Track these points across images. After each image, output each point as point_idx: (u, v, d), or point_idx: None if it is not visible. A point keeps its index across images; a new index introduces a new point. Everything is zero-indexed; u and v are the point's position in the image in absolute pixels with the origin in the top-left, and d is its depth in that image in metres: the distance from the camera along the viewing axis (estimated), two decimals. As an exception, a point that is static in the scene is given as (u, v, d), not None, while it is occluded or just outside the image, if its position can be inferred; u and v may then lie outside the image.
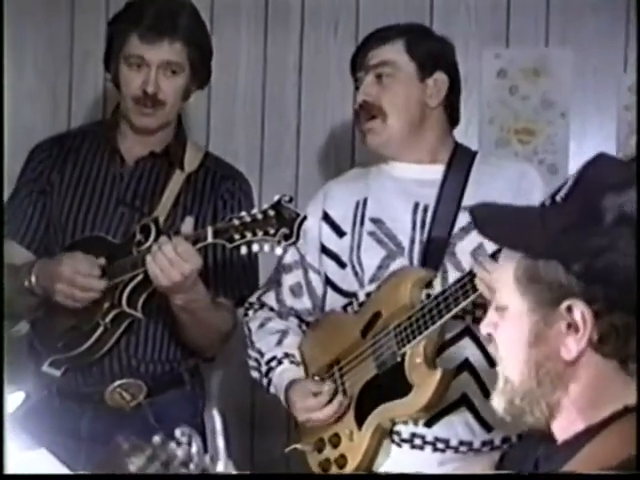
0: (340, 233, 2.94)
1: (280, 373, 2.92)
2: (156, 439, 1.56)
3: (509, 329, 1.67)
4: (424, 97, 2.90)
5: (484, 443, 2.79)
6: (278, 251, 2.65)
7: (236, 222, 2.63)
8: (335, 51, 3.92)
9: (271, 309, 3.06)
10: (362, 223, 2.92)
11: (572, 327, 1.56)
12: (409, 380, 2.69)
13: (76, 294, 2.89)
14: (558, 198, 1.67)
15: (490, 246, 2.69)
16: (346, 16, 3.91)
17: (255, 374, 3.00)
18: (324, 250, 2.97)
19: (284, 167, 3.97)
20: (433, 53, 2.94)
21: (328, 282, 2.98)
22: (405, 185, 2.92)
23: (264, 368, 2.96)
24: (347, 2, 3.90)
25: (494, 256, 2.47)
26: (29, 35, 4.13)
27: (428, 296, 2.73)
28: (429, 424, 2.77)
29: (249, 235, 2.61)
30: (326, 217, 2.97)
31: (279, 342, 2.98)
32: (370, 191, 2.96)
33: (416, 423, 2.78)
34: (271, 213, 2.60)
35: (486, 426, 2.78)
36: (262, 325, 3.03)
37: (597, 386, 1.60)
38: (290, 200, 2.63)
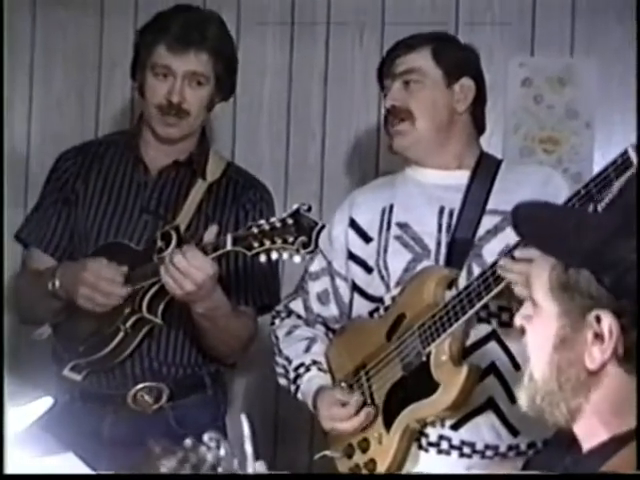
0: (367, 239, 2.95)
1: (308, 380, 2.92)
2: (187, 442, 1.54)
3: (539, 327, 1.68)
4: (451, 102, 2.91)
5: (510, 447, 2.78)
6: (296, 259, 2.64)
7: (255, 230, 2.64)
8: (360, 62, 3.93)
9: (298, 317, 3.06)
10: (388, 228, 2.92)
11: (598, 337, 1.56)
12: (435, 379, 2.69)
13: (98, 299, 2.90)
14: (599, 207, 1.63)
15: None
16: (371, 27, 3.92)
17: (283, 381, 3.01)
18: (351, 256, 2.97)
19: (309, 177, 3.98)
20: (459, 60, 2.95)
21: (355, 288, 2.98)
22: (431, 190, 2.92)
23: (292, 375, 2.96)
24: (372, 13, 3.92)
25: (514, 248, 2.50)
26: (58, 45, 4.15)
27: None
28: (456, 427, 2.77)
29: (268, 243, 2.62)
30: (353, 224, 2.98)
31: (307, 349, 2.98)
32: (396, 197, 2.96)
33: (443, 425, 2.77)
34: (290, 221, 2.60)
35: (512, 430, 2.77)
36: (289, 333, 3.03)
37: (620, 397, 1.59)
38: (309, 209, 2.63)
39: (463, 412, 2.73)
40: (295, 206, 2.63)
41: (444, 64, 2.90)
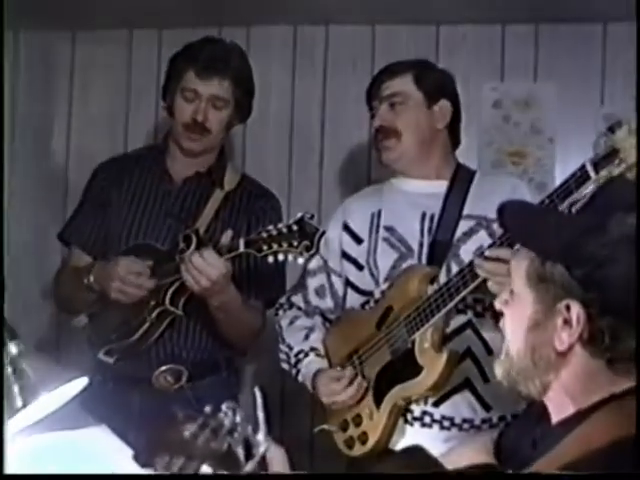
0: (358, 240, 2.96)
1: (307, 364, 2.95)
2: (207, 409, 1.64)
3: (515, 311, 1.70)
4: (432, 121, 2.93)
5: (484, 421, 2.81)
6: (300, 260, 2.66)
7: (264, 235, 2.66)
8: (354, 85, 3.89)
9: (299, 308, 3.08)
10: (377, 231, 2.94)
11: (567, 323, 1.58)
12: (419, 363, 2.71)
13: (128, 290, 2.92)
14: (574, 210, 1.68)
15: None
16: (362, 55, 3.95)
17: (285, 365, 3.03)
18: (344, 255, 2.99)
19: (309, 185, 4.01)
20: (437, 84, 2.97)
21: (348, 283, 3.01)
22: (414, 198, 2.93)
23: (293, 360, 2.99)
24: (363, 43, 3.96)
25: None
26: (93, 74, 4.21)
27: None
28: (437, 404, 2.80)
29: (275, 246, 2.64)
30: (346, 227, 3.00)
31: (306, 337, 3.01)
32: (384, 203, 2.98)
33: (426, 403, 2.80)
34: (295, 228, 2.62)
35: (486, 406, 2.80)
36: (291, 323, 3.06)
37: (585, 376, 1.61)
38: (312, 217, 2.64)
39: (443, 391, 2.76)
40: (299, 214, 2.64)
41: (424, 88, 2.92)
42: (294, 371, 2.99)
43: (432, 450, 1.98)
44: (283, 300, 3.11)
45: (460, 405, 2.81)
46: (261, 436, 1.63)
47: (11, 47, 4.22)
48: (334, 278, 3.04)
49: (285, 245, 2.63)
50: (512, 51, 3.74)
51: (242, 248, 2.71)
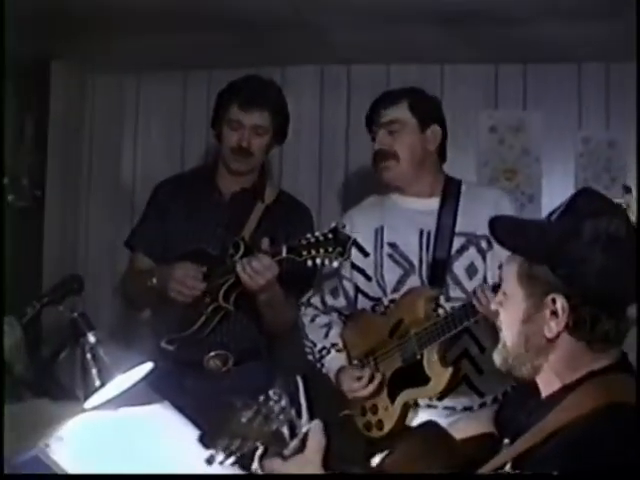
0: (365, 254, 2.88)
1: (330, 361, 2.93)
2: (260, 398, 1.64)
3: (510, 309, 1.69)
4: (425, 143, 2.87)
5: (480, 405, 2.80)
6: (335, 264, 2.64)
7: (304, 242, 2.64)
8: None
9: (316, 308, 3.04)
10: (382, 246, 2.89)
11: (554, 314, 1.59)
12: (427, 373, 2.70)
13: (184, 291, 2.91)
14: (552, 218, 1.68)
15: (480, 264, 2.79)
16: (379, 89, 3.81)
17: (310, 357, 3.00)
18: (354, 266, 2.94)
19: (336, 199, 4.02)
20: (429, 110, 2.91)
21: (358, 290, 2.97)
22: (411, 215, 2.88)
23: (317, 355, 2.97)
24: (380, 79, 3.95)
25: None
26: (155, 109, 4.26)
27: (437, 304, 2.77)
28: (440, 399, 2.78)
29: (313, 252, 2.62)
30: (354, 242, 2.82)
31: (326, 335, 2.98)
32: (385, 220, 2.92)
33: (431, 399, 2.79)
34: (330, 236, 2.61)
35: (480, 394, 2.81)
36: (312, 320, 3.03)
37: (570, 357, 1.61)
38: (343, 226, 2.64)
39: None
40: (333, 224, 2.63)
41: (418, 115, 2.86)
42: (319, 365, 2.97)
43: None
44: (304, 300, 3.07)
45: (460, 397, 2.79)
46: (303, 418, 1.63)
47: (90, 90, 4.33)
48: (345, 282, 2.99)
49: (322, 251, 2.61)
50: (504, 85, 3.74)
51: (284, 253, 2.70)
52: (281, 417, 1.62)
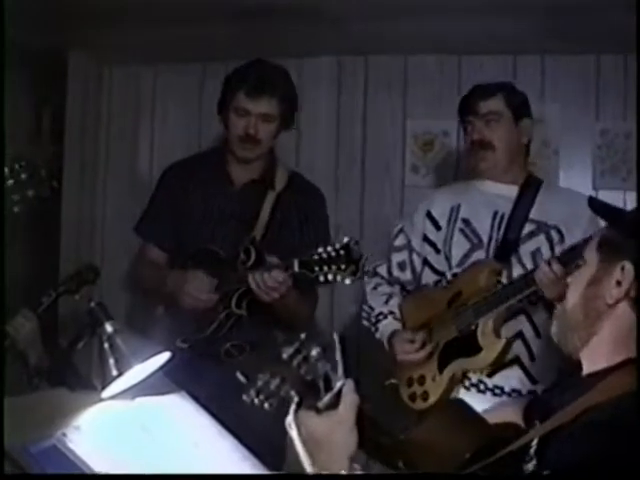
0: (438, 227, 3.00)
1: (385, 325, 3.00)
2: (302, 336, 1.64)
3: (581, 273, 1.71)
4: (518, 136, 2.95)
5: (529, 392, 2.84)
6: (347, 282, 2.59)
7: (316, 257, 2.61)
8: (388, 105, 3.98)
9: (382, 277, 3.12)
10: (455, 221, 2.97)
11: (619, 284, 1.61)
12: (480, 344, 2.77)
13: (197, 304, 2.95)
14: None
15: (546, 250, 2.83)
16: (396, 80, 3.97)
17: (366, 323, 3.08)
18: (425, 239, 3.02)
19: (351, 188, 4.03)
20: (521, 103, 2.98)
21: (426, 262, 3.03)
22: (490, 198, 2.96)
23: (373, 319, 3.04)
24: (397, 70, 3.97)
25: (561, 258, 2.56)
26: (172, 99, 4.27)
27: (498, 281, 2.81)
28: (490, 375, 2.85)
29: (325, 268, 2.59)
30: (429, 215, 3.03)
31: (386, 302, 3.06)
32: (463, 199, 3.00)
33: (481, 373, 2.85)
34: (342, 252, 2.57)
35: (532, 380, 2.85)
36: (375, 288, 3.11)
37: (621, 332, 1.63)
38: (356, 243, 2.59)
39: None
40: (345, 239, 2.59)
41: (512, 107, 2.93)
42: (373, 329, 3.04)
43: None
44: (370, 269, 3.09)
45: (510, 377, 2.85)
46: (339, 373, 1.62)
47: (107, 81, 4.35)
48: (414, 256, 3.06)
49: (334, 268, 2.59)
50: (523, 78, 3.69)
51: (297, 268, 2.69)
52: (319, 364, 1.61)
